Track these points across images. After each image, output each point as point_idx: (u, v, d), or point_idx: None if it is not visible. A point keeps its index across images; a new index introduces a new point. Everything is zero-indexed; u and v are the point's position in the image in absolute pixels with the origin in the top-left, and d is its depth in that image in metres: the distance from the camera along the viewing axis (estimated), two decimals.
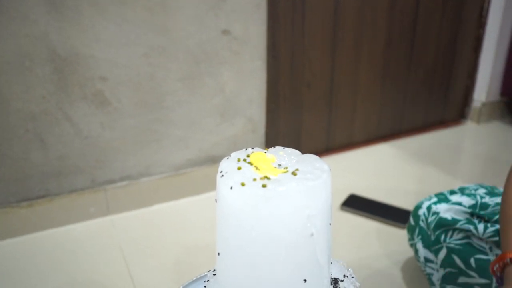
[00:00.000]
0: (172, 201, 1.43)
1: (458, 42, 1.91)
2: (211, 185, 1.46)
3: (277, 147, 0.55)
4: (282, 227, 0.47)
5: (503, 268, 0.68)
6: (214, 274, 0.57)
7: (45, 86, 1.16)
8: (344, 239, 1.23)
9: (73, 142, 1.24)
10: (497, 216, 0.88)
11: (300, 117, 1.67)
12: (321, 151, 1.76)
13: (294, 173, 0.48)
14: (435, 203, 0.97)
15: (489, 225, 0.87)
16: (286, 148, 0.55)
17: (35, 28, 1.10)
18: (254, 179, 0.47)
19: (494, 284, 0.86)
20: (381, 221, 1.30)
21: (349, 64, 1.69)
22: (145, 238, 1.25)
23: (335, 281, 0.58)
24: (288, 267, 0.48)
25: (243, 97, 1.42)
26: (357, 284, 0.59)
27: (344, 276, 0.59)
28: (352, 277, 0.60)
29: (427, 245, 0.97)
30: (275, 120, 1.61)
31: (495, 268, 0.69)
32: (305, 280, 0.49)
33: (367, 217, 1.33)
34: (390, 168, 1.66)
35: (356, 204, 1.37)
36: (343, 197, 1.43)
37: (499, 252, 0.86)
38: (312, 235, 0.48)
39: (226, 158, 0.52)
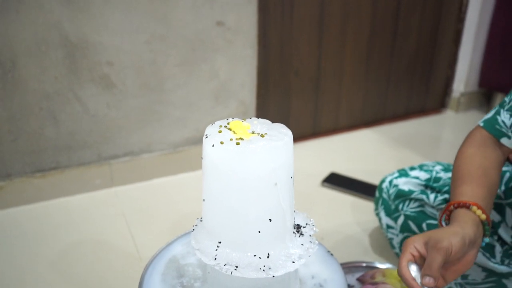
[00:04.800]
0: (170, 176, 1.57)
1: (439, 34, 2.03)
2: None
3: (252, 118, 0.69)
4: (252, 177, 0.59)
5: (449, 216, 0.74)
6: (201, 221, 0.71)
7: (58, 69, 1.30)
8: (322, 210, 1.38)
9: (81, 119, 1.39)
10: (447, 188, 1.02)
11: (288, 102, 1.80)
12: (308, 135, 1.89)
13: (262, 136, 0.62)
14: (396, 177, 1.11)
15: (439, 195, 1.01)
16: (260, 119, 0.69)
17: (50, 17, 1.24)
18: (231, 139, 0.60)
19: None
20: (356, 196, 1.45)
21: (335, 53, 1.81)
22: (145, 207, 1.40)
23: (298, 226, 0.72)
24: (257, 209, 0.61)
25: (236, 82, 1.56)
26: (316, 230, 0.73)
27: (306, 224, 0.73)
28: (313, 225, 0.74)
29: (388, 214, 1.11)
30: (265, 104, 1.74)
31: (443, 220, 0.75)
32: (270, 220, 0.63)
33: (344, 192, 1.47)
34: (371, 151, 1.79)
35: (335, 180, 1.52)
36: (325, 175, 1.58)
37: None
38: (276, 184, 0.61)
39: (210, 125, 0.67)
